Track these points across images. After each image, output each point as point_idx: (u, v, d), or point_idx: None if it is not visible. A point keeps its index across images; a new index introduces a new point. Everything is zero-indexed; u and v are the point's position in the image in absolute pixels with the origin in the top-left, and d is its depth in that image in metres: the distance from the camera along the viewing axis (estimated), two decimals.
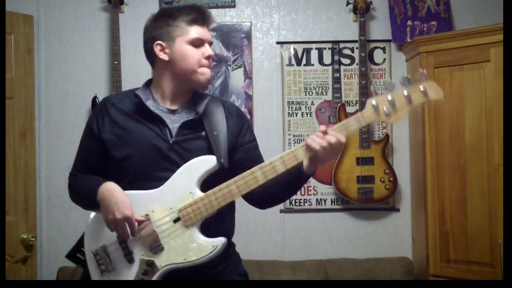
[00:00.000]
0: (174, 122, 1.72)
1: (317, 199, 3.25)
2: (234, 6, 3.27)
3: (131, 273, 1.65)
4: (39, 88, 3.17)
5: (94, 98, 3.12)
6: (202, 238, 1.61)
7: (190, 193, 1.63)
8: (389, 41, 3.25)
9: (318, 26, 3.29)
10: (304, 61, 3.26)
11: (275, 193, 1.76)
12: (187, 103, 1.77)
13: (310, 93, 3.26)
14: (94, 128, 1.76)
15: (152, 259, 1.63)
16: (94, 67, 3.23)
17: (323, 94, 3.26)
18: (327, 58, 3.26)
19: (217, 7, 3.26)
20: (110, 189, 1.66)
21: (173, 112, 1.75)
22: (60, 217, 3.20)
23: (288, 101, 3.25)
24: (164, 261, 1.62)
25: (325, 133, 1.58)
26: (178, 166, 1.65)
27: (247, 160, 1.74)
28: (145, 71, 3.24)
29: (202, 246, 1.60)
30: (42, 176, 3.18)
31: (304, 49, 3.27)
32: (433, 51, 2.88)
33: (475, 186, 2.73)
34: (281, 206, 3.22)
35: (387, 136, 3.16)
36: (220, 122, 1.74)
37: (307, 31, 3.29)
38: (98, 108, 1.82)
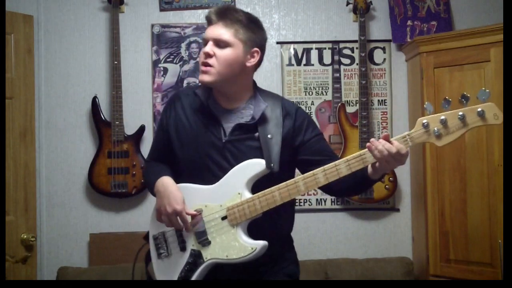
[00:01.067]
0: (229, 122, 1.77)
1: (317, 199, 3.25)
2: (234, 6, 3.27)
3: (182, 260, 1.75)
4: (39, 88, 3.16)
5: (94, 98, 3.13)
6: (244, 238, 1.68)
7: (239, 193, 1.69)
8: (389, 41, 3.25)
9: (318, 26, 3.29)
10: (304, 61, 3.26)
11: (342, 191, 1.81)
12: (246, 101, 1.80)
13: (310, 93, 3.26)
14: (163, 120, 1.88)
15: (200, 250, 1.72)
16: (94, 67, 3.23)
17: (323, 94, 3.26)
18: (327, 58, 3.26)
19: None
20: (165, 183, 1.76)
21: (229, 112, 1.79)
22: (60, 217, 3.20)
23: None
24: (210, 254, 1.71)
25: (386, 137, 1.57)
26: (231, 164, 1.72)
27: (313, 155, 1.78)
28: (145, 71, 3.25)
29: (242, 246, 1.67)
30: (42, 176, 3.18)
31: (304, 49, 3.27)
32: (433, 51, 2.88)
33: (475, 186, 2.73)
34: None
35: None
36: (276, 124, 1.76)
37: (307, 31, 3.29)
38: (169, 100, 1.95)
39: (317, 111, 3.26)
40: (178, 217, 1.71)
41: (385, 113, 3.26)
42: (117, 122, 3.06)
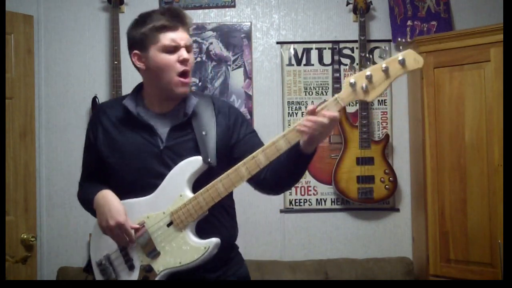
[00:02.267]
0: (164, 127, 1.70)
1: (317, 199, 3.25)
2: (234, 6, 3.27)
3: (133, 279, 1.68)
4: (39, 88, 3.16)
5: (94, 98, 3.13)
6: (194, 240, 1.61)
7: (181, 195, 1.63)
8: (389, 41, 3.25)
9: (318, 26, 3.29)
10: (304, 61, 3.26)
11: (282, 177, 1.69)
12: (177, 105, 1.74)
13: (310, 93, 3.26)
14: (91, 138, 1.80)
15: (150, 264, 1.65)
16: (94, 67, 3.23)
17: (323, 94, 3.26)
18: (327, 58, 3.26)
19: (217, 7, 3.26)
20: (105, 196, 1.69)
21: (162, 116, 1.72)
22: (60, 217, 3.20)
23: (288, 101, 3.25)
24: (162, 265, 1.64)
25: (312, 111, 1.52)
26: (171, 169, 1.65)
27: (247, 152, 1.70)
28: None
29: (195, 248, 1.60)
30: (42, 176, 3.18)
31: (304, 49, 3.27)
32: (433, 51, 2.88)
33: (475, 186, 2.73)
34: (281, 206, 3.22)
35: (387, 136, 3.16)
36: (209, 121, 1.70)
37: (307, 31, 3.29)
38: (92, 117, 1.85)
39: None
40: (121, 230, 1.64)
41: (385, 113, 3.26)
42: None
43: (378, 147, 3.11)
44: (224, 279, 1.73)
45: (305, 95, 3.25)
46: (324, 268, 3.04)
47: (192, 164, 1.63)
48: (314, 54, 3.27)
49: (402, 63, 1.48)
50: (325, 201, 3.25)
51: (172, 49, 1.66)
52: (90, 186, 1.80)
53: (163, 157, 1.67)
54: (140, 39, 1.68)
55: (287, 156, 1.60)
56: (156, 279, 1.64)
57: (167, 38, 1.65)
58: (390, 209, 3.24)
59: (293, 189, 3.24)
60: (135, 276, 1.67)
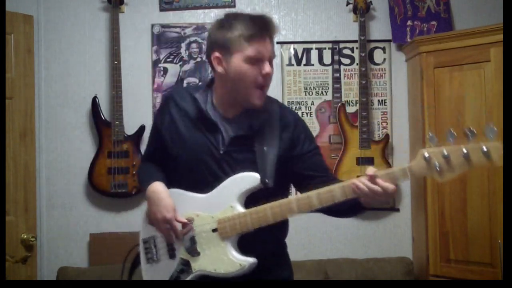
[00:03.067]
0: (227, 131, 1.70)
1: None
2: (234, 6, 3.27)
3: (170, 268, 1.72)
4: (39, 88, 3.16)
5: (94, 98, 3.13)
6: (233, 253, 1.64)
7: (231, 206, 1.64)
8: (389, 41, 3.25)
9: (318, 26, 3.29)
10: (304, 61, 3.26)
11: (331, 211, 1.66)
12: (243, 112, 1.72)
13: (310, 93, 3.26)
14: (158, 123, 1.81)
15: (189, 260, 1.69)
16: (94, 67, 3.23)
17: (323, 94, 3.26)
18: (327, 58, 3.26)
19: (217, 7, 3.26)
20: (156, 190, 1.72)
21: (228, 120, 1.72)
22: (60, 217, 3.20)
23: (288, 101, 3.25)
24: (198, 265, 1.68)
25: (372, 178, 1.49)
26: (228, 174, 1.66)
27: (307, 169, 1.72)
28: (145, 71, 3.25)
29: (231, 262, 1.63)
30: (42, 176, 3.18)
31: (304, 49, 3.27)
32: (433, 51, 2.88)
33: (475, 186, 2.73)
34: None
35: (387, 136, 3.16)
36: (272, 136, 1.69)
37: (307, 31, 3.29)
38: (162, 102, 1.87)
39: (317, 111, 3.26)
40: (168, 225, 1.68)
41: (385, 113, 3.26)
42: (117, 122, 3.06)
43: (378, 147, 3.11)
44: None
45: (305, 95, 3.25)
46: (324, 268, 3.04)
47: (248, 180, 1.64)
48: (314, 54, 3.27)
49: (487, 155, 1.37)
50: None
51: (255, 61, 1.62)
52: (148, 168, 1.85)
53: (222, 162, 1.68)
54: (225, 43, 1.64)
55: (342, 204, 1.58)
56: (191, 275, 1.68)
57: (254, 49, 1.61)
58: (390, 209, 3.24)
59: (293, 189, 3.22)
60: (174, 265, 1.71)
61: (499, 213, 2.61)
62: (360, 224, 3.26)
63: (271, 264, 1.75)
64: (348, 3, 3.21)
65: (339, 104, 3.17)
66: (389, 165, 3.11)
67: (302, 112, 3.24)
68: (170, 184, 1.76)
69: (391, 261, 3.10)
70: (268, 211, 1.60)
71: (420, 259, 3.06)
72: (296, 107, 3.25)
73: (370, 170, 1.50)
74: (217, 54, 1.66)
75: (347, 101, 3.24)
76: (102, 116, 3.12)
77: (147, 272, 1.80)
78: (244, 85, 1.64)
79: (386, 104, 3.26)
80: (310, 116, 3.25)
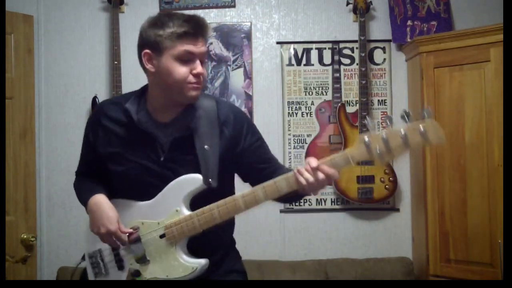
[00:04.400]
0: (165, 137, 1.65)
1: (317, 199, 3.25)
2: (234, 6, 3.27)
3: (121, 279, 1.70)
4: (39, 88, 3.16)
5: (94, 98, 3.13)
6: (184, 257, 1.62)
7: (176, 210, 1.62)
8: (389, 41, 3.25)
9: (318, 26, 3.29)
10: (304, 61, 3.26)
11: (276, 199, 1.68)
12: (180, 114, 1.68)
13: (310, 93, 3.26)
14: (90, 137, 1.76)
15: (139, 269, 1.66)
16: (94, 67, 3.23)
17: (323, 94, 3.26)
18: (327, 58, 3.26)
19: (217, 7, 3.26)
20: (97, 202, 1.69)
21: (164, 125, 1.67)
22: (60, 217, 3.20)
23: (288, 101, 3.25)
24: (150, 273, 1.65)
25: (315, 169, 1.50)
26: (171, 180, 1.64)
27: (253, 163, 1.72)
28: None
29: (183, 266, 1.61)
30: (42, 176, 3.18)
31: (304, 49, 3.27)
32: (433, 51, 2.88)
33: (475, 186, 2.73)
34: (281, 206, 3.22)
35: None
36: (212, 133, 1.65)
37: (307, 31, 3.29)
38: (92, 116, 1.80)
39: (317, 111, 3.26)
40: (113, 237, 1.65)
41: (385, 113, 3.25)
42: None
43: None
44: (221, 274, 1.73)
45: (305, 95, 3.25)
46: (324, 268, 3.04)
47: (191, 182, 1.61)
48: (314, 54, 3.27)
49: (423, 134, 1.40)
50: (325, 201, 3.25)
51: (186, 59, 1.59)
52: (85, 183, 1.80)
53: (163, 169, 1.65)
54: (156, 41, 1.61)
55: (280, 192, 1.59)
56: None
57: (185, 47, 1.58)
58: (390, 209, 3.24)
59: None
60: (123, 276, 1.69)
61: (499, 213, 2.61)
62: (360, 224, 3.26)
63: (221, 257, 1.75)
64: (348, 3, 3.21)
65: (339, 104, 3.17)
66: (389, 165, 3.11)
67: (302, 112, 3.24)
68: (113, 195, 1.73)
69: (391, 261, 3.10)
70: (215, 211, 1.59)
71: (420, 259, 3.06)
72: (296, 107, 3.25)
73: (313, 161, 1.51)
74: (146, 51, 1.65)
75: (347, 101, 3.24)
76: None
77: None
78: (174, 83, 1.60)
79: (386, 104, 3.26)
80: (310, 116, 3.25)
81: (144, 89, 1.77)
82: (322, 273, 3.02)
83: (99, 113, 1.76)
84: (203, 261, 1.61)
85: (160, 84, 1.65)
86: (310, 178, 1.50)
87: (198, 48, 1.60)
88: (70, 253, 3.19)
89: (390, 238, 3.25)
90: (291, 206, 3.24)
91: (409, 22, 3.21)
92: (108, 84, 3.20)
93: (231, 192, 1.73)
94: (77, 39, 3.23)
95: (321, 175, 1.50)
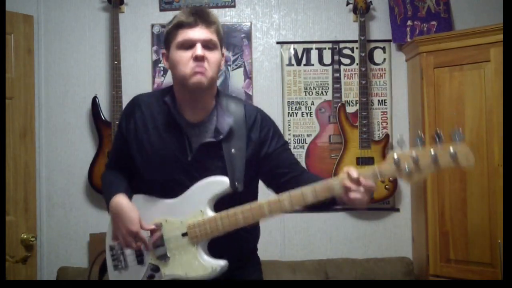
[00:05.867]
0: (194, 137, 1.67)
1: None
2: (234, 6, 3.27)
3: (139, 274, 1.69)
4: (39, 88, 3.17)
5: (94, 98, 3.13)
6: (204, 257, 1.62)
7: (201, 211, 1.63)
8: (389, 41, 3.25)
9: (318, 26, 3.29)
10: (304, 61, 3.26)
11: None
12: (208, 116, 1.70)
13: (310, 93, 3.26)
14: (122, 128, 1.77)
15: (158, 266, 1.67)
16: (94, 67, 3.23)
17: (323, 94, 3.26)
18: (327, 58, 3.26)
19: (217, 7, 3.26)
20: (119, 204, 1.68)
21: (194, 126, 1.69)
22: (60, 217, 3.20)
23: (288, 101, 3.25)
24: (168, 270, 1.66)
25: (357, 180, 1.49)
26: (196, 180, 1.65)
27: (277, 167, 1.71)
28: (145, 71, 3.25)
29: (202, 266, 1.61)
30: (42, 176, 3.18)
31: (304, 49, 3.27)
32: (433, 51, 2.88)
33: (475, 186, 2.73)
34: None
35: (387, 136, 3.16)
36: (240, 137, 1.67)
37: (307, 31, 3.29)
38: (127, 107, 1.81)
39: (317, 111, 3.26)
40: (133, 238, 1.65)
41: (385, 113, 3.26)
42: (117, 122, 3.04)
43: (378, 147, 3.11)
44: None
45: (305, 95, 3.25)
46: (324, 268, 3.05)
47: (218, 185, 1.63)
48: (314, 54, 3.27)
49: (454, 157, 1.44)
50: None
51: (188, 46, 1.61)
52: (111, 179, 1.80)
53: (190, 168, 1.66)
54: (165, 38, 1.69)
55: (315, 199, 1.58)
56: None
57: (183, 34, 1.62)
58: (390, 209, 3.24)
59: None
60: (142, 271, 1.69)
61: (499, 213, 2.61)
62: (360, 224, 3.26)
63: (242, 264, 1.74)
64: (348, 3, 3.21)
65: (339, 104, 3.17)
66: None
67: (302, 112, 3.24)
68: (137, 190, 1.74)
69: (391, 261, 3.10)
70: (239, 215, 1.59)
71: (420, 259, 3.06)
72: (296, 107, 3.25)
73: (354, 171, 1.49)
74: (163, 50, 1.72)
75: (347, 101, 3.24)
76: (102, 116, 3.12)
77: (116, 279, 1.76)
78: (180, 71, 1.62)
79: (386, 104, 3.26)
80: (310, 116, 3.25)
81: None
82: (322, 273, 3.02)
83: (134, 104, 1.77)
84: (222, 262, 1.61)
85: (175, 78, 1.69)
86: (361, 191, 1.49)
87: (195, 32, 1.62)
88: (70, 253, 3.19)
89: (390, 238, 3.25)
90: None
91: (409, 22, 3.21)
92: (108, 84, 3.20)
93: (254, 196, 1.73)
94: (77, 39, 3.23)
95: (362, 189, 1.50)
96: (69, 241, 3.20)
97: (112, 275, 1.77)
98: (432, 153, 1.44)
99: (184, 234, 1.64)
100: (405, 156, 1.47)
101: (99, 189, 3.10)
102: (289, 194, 1.57)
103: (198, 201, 1.64)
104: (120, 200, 1.68)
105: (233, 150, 1.65)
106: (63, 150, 3.21)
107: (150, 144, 1.69)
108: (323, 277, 3.01)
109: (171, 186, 1.67)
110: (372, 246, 3.25)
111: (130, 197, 1.72)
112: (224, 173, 1.63)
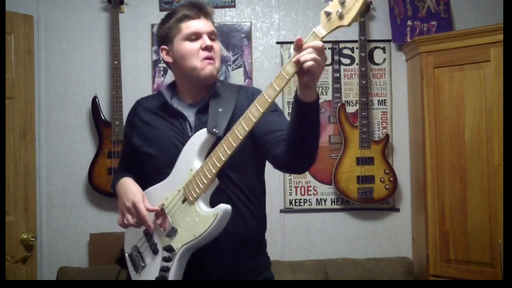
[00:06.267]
0: (196, 117, 1.74)
1: (317, 199, 3.25)
2: (234, 6, 3.27)
3: (157, 263, 1.68)
4: (39, 88, 3.17)
5: (94, 98, 3.13)
6: (204, 209, 1.59)
7: (191, 170, 1.63)
8: (389, 41, 3.25)
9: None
10: None
11: (295, 143, 1.56)
12: (206, 95, 1.76)
13: None
14: (127, 132, 1.87)
15: (170, 244, 1.65)
16: (94, 67, 3.23)
17: (323, 94, 3.26)
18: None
19: (217, 7, 3.26)
20: (123, 183, 1.76)
21: (193, 105, 1.76)
22: (60, 217, 3.20)
23: (288, 101, 3.25)
24: (179, 242, 1.62)
25: (300, 46, 1.52)
26: None
27: (266, 128, 1.65)
28: (145, 71, 3.25)
29: (205, 218, 1.57)
30: (42, 176, 3.18)
31: None
32: (433, 51, 2.88)
33: (475, 186, 2.73)
34: (281, 206, 3.22)
35: (387, 136, 3.16)
36: (228, 100, 1.72)
37: (307, 31, 3.27)
38: (130, 110, 1.90)
39: None
40: (136, 210, 1.66)
41: (385, 113, 3.26)
42: (117, 122, 3.06)
43: (378, 147, 3.11)
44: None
45: None
46: (324, 268, 3.04)
47: (198, 137, 1.65)
48: None
49: None
50: (325, 201, 3.25)
51: (195, 37, 1.70)
52: (119, 175, 1.86)
53: None
54: (166, 33, 1.75)
55: (292, 119, 1.54)
56: (177, 257, 1.61)
57: (188, 26, 1.70)
58: (390, 209, 3.24)
59: (293, 189, 3.24)
60: (159, 258, 1.68)
61: (499, 213, 2.61)
62: (360, 224, 3.26)
63: (249, 260, 1.75)
64: None
65: (339, 104, 3.17)
66: (389, 165, 3.11)
67: None
68: (145, 185, 1.76)
69: (391, 261, 3.10)
70: (220, 147, 1.54)
71: (420, 259, 3.06)
72: None
73: (297, 40, 1.57)
74: (163, 46, 1.77)
75: (347, 101, 3.24)
76: (102, 116, 3.12)
77: (139, 279, 1.77)
78: (189, 62, 1.70)
79: (386, 104, 3.26)
80: None
81: (175, 83, 1.87)
82: (322, 273, 3.02)
83: (135, 105, 1.88)
84: (222, 205, 1.54)
85: (180, 71, 1.76)
86: (312, 53, 1.52)
87: (200, 24, 1.71)
88: (70, 253, 3.19)
89: (390, 238, 3.25)
90: (291, 206, 3.24)
91: (409, 22, 3.21)
92: (108, 84, 3.20)
93: (258, 181, 1.75)
94: (77, 39, 3.23)
95: (318, 44, 1.55)
96: (69, 241, 3.20)
97: (135, 277, 1.78)
98: None
99: (184, 200, 1.64)
100: (333, 5, 1.53)
101: (99, 189, 3.10)
102: (255, 101, 1.50)
103: (187, 162, 1.65)
104: (126, 180, 1.77)
105: (220, 109, 1.69)
106: (63, 150, 3.21)
107: (153, 132, 1.76)
108: (323, 277, 3.01)
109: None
110: (372, 246, 3.25)
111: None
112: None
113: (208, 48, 1.69)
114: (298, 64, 1.49)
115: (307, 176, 3.23)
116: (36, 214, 2.90)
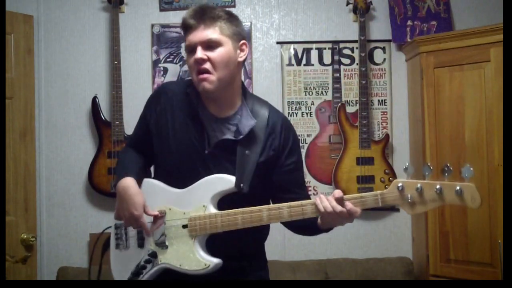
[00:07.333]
0: (215, 132, 1.68)
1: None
2: (234, 6, 3.27)
3: (138, 257, 1.73)
4: (39, 88, 3.17)
5: (94, 98, 3.13)
6: (200, 252, 1.64)
7: (204, 206, 1.65)
8: (389, 41, 3.25)
9: (318, 26, 3.29)
10: (304, 61, 3.26)
11: (297, 228, 1.80)
12: (236, 110, 1.71)
13: (310, 93, 3.26)
14: (147, 114, 1.80)
15: (156, 252, 1.70)
16: (94, 67, 3.23)
17: (323, 94, 3.26)
18: (327, 58, 3.26)
19: (217, 7, 3.26)
20: (125, 186, 1.70)
21: (217, 120, 1.70)
22: (60, 217, 3.20)
23: (288, 101, 3.25)
24: (165, 258, 1.69)
25: (339, 200, 1.52)
26: (211, 172, 1.66)
27: (283, 182, 1.73)
28: (145, 71, 3.25)
29: (197, 260, 1.63)
30: (42, 176, 3.18)
31: (304, 49, 3.27)
32: (433, 51, 2.88)
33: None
34: None
35: (387, 136, 3.16)
36: (256, 141, 1.67)
37: (307, 31, 3.29)
38: (153, 94, 1.85)
39: (317, 111, 3.26)
40: (135, 222, 1.68)
41: (385, 113, 3.26)
42: (117, 122, 3.06)
43: (378, 147, 3.11)
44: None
45: (305, 95, 3.25)
46: (324, 268, 3.04)
47: (223, 182, 1.64)
48: (314, 54, 3.27)
49: (459, 194, 1.41)
50: None
51: (191, 49, 1.65)
52: (127, 158, 1.83)
53: (206, 161, 1.67)
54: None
55: (300, 221, 1.62)
56: (156, 267, 1.69)
57: (187, 38, 1.66)
58: (390, 209, 3.24)
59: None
60: (142, 254, 1.72)
61: (499, 213, 2.61)
62: (360, 224, 3.26)
63: (246, 265, 1.75)
64: (348, 3, 3.21)
65: (339, 104, 3.17)
66: (389, 165, 3.11)
67: (302, 112, 3.24)
68: (154, 167, 1.79)
69: (391, 261, 3.10)
70: (239, 216, 1.61)
71: (420, 259, 3.06)
72: (296, 107, 3.25)
73: (337, 192, 1.52)
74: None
75: (347, 101, 3.24)
76: (102, 116, 3.12)
77: (116, 257, 1.82)
78: (191, 75, 1.67)
79: (386, 104, 3.26)
80: (310, 116, 3.25)
81: None
82: (322, 273, 3.02)
83: (160, 92, 1.80)
84: (216, 260, 1.62)
85: None
86: (328, 208, 1.52)
87: (195, 35, 1.63)
88: (70, 253, 3.19)
89: (390, 238, 3.25)
90: None
91: (409, 22, 3.21)
92: (108, 84, 3.20)
93: (264, 202, 1.72)
94: (77, 39, 3.23)
95: (339, 208, 1.51)
96: (69, 241, 3.20)
97: (113, 252, 1.82)
98: (438, 186, 1.41)
99: (184, 226, 1.66)
100: (409, 185, 1.45)
101: (99, 189, 3.10)
102: (289, 204, 1.59)
103: (203, 196, 1.66)
104: (128, 183, 1.71)
105: (247, 152, 1.66)
106: (63, 150, 3.21)
107: (171, 132, 1.71)
108: (323, 277, 3.01)
109: (186, 175, 1.68)
110: (372, 246, 3.25)
111: (141, 180, 1.76)
112: (233, 172, 1.64)
113: (198, 62, 1.61)
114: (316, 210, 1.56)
115: (307, 176, 3.22)
116: (36, 214, 2.90)
